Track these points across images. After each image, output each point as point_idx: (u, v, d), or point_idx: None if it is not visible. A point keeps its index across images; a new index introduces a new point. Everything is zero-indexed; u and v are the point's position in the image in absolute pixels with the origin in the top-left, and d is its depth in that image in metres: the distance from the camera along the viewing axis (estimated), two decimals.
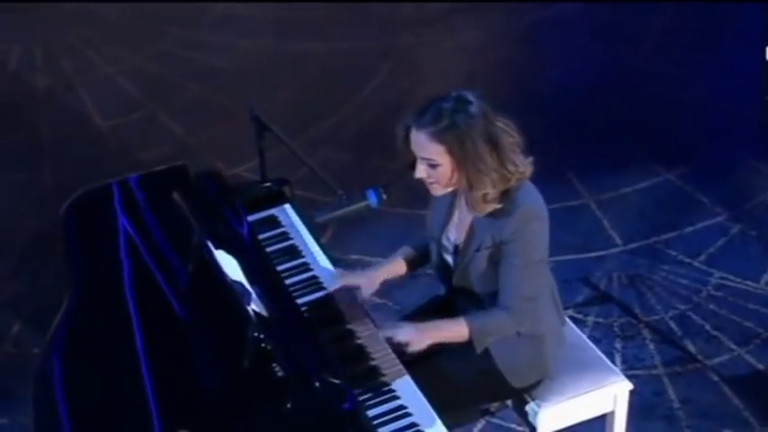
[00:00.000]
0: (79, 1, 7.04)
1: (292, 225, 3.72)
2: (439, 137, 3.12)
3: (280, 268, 3.50)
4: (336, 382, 2.97)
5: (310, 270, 3.54)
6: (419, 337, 3.19)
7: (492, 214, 3.21)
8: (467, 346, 3.28)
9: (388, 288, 4.67)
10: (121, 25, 6.77)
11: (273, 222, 3.73)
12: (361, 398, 3.06)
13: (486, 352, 3.32)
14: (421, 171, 3.19)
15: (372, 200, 3.26)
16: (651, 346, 4.39)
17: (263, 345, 2.84)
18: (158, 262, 3.32)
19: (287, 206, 3.80)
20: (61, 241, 3.47)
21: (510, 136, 3.20)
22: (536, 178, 4.86)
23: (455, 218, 3.36)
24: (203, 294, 3.13)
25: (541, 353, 3.37)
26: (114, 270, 3.36)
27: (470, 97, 3.17)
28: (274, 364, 2.87)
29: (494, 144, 3.14)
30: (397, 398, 3.09)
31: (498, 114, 3.20)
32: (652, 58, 6.29)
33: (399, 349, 3.18)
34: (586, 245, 4.92)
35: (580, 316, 4.53)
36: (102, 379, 2.98)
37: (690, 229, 4.98)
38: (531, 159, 3.26)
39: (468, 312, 3.31)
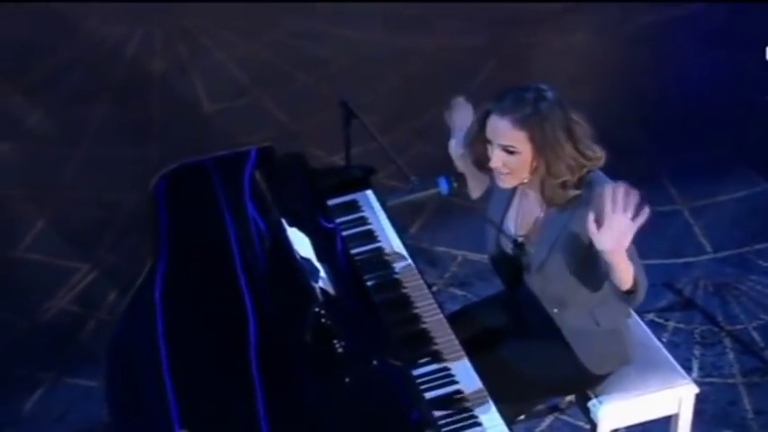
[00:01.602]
0: None
1: (372, 210, 3.82)
2: (522, 123, 3.18)
3: (354, 251, 3.61)
4: (396, 363, 3.06)
5: (384, 254, 3.64)
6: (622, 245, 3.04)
7: (569, 204, 3.25)
8: (541, 341, 3.35)
9: (469, 280, 4.79)
10: (237, 12, 6.96)
11: (354, 207, 3.84)
12: (419, 380, 3.15)
13: (562, 347, 3.37)
14: (497, 159, 3.23)
15: (443, 187, 3.33)
16: (731, 355, 4.36)
17: (323, 320, 2.94)
18: (240, 237, 3.46)
19: (369, 192, 3.90)
20: (150, 209, 3.65)
21: (581, 126, 3.26)
22: (628, 180, 4.89)
23: (513, 211, 3.42)
24: (275, 270, 3.26)
25: (620, 340, 3.42)
26: (201, 239, 3.53)
27: (546, 89, 3.24)
28: (335, 341, 2.99)
29: (570, 132, 3.21)
30: (455, 382, 3.17)
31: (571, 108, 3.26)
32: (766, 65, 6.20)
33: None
34: (675, 250, 4.90)
35: (661, 320, 4.52)
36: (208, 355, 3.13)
37: None
38: (601, 147, 3.30)
39: (534, 313, 3.37)
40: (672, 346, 4.37)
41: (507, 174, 3.26)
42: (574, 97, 5.70)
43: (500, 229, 3.44)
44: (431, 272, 4.85)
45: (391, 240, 3.69)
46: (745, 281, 4.70)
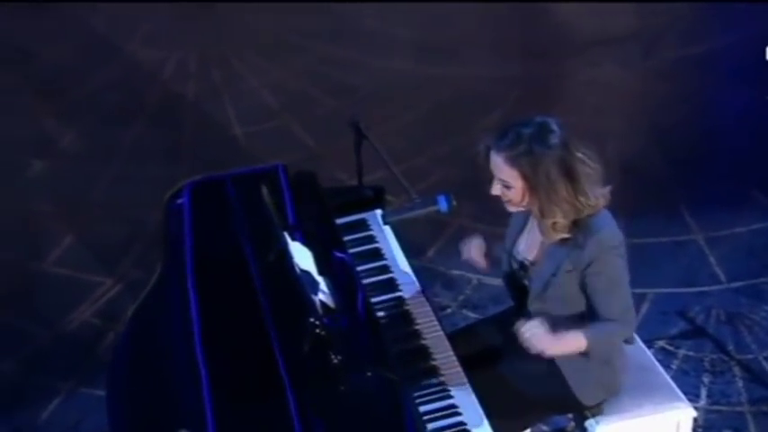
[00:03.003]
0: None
1: (380, 230, 3.87)
2: (514, 161, 3.22)
3: (360, 268, 3.66)
4: (391, 375, 3.10)
5: (390, 272, 3.68)
6: (548, 345, 3.22)
7: (565, 242, 3.28)
8: (537, 360, 3.37)
9: (482, 303, 4.82)
10: (270, 38, 7.08)
11: (363, 225, 3.90)
12: (415, 393, 3.19)
13: (556, 368, 3.39)
14: (496, 189, 3.31)
15: (442, 205, 3.38)
16: (740, 384, 4.35)
17: (318, 330, 2.99)
18: (251, 249, 3.53)
19: (378, 212, 3.95)
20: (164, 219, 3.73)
21: (588, 167, 3.25)
22: (645, 210, 4.91)
23: (526, 234, 3.45)
24: (277, 281, 3.31)
25: (612, 372, 3.42)
26: (219, 254, 3.61)
27: (553, 126, 3.24)
28: (331, 352, 3.03)
29: (569, 175, 3.21)
30: (450, 397, 3.20)
31: (580, 144, 3.26)
32: None
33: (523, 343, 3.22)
34: (689, 279, 4.90)
35: (671, 348, 4.52)
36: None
37: None
38: (608, 189, 3.30)
39: None
40: (681, 374, 4.38)
41: (508, 202, 3.31)
42: (597, 128, 5.85)
43: (511, 251, 3.47)
44: (446, 294, 4.89)
45: (397, 259, 3.74)
46: (758, 311, 4.69)
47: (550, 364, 3.37)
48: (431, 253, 5.15)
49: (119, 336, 3.45)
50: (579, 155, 3.24)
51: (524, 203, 3.29)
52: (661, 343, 4.52)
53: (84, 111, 6.49)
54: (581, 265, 3.25)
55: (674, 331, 4.60)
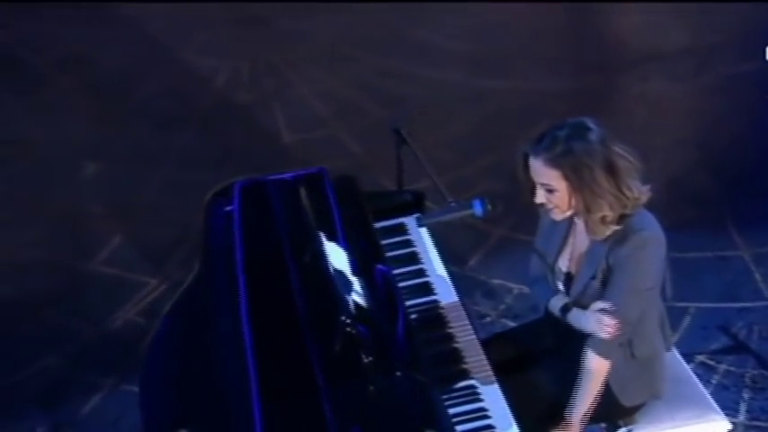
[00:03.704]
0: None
1: (418, 234, 3.87)
2: (554, 162, 3.21)
3: (396, 272, 3.67)
4: (420, 378, 3.10)
5: (425, 276, 3.69)
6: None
7: (610, 238, 3.26)
8: (572, 364, 3.35)
9: (523, 313, 4.80)
10: (324, 48, 7.13)
11: (401, 230, 3.91)
12: (445, 396, 3.19)
13: None
14: (540, 196, 3.30)
15: (477, 209, 3.38)
16: None
17: (348, 329, 3.00)
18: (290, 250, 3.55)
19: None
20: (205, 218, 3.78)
21: (628, 162, 3.24)
22: (691, 224, 4.86)
23: (570, 246, 3.43)
24: (313, 281, 3.33)
25: (652, 373, 3.41)
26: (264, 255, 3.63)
27: (589, 124, 3.24)
28: (362, 352, 3.04)
29: (611, 169, 3.20)
30: (480, 400, 3.20)
31: (617, 140, 3.26)
32: None
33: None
34: (732, 295, 4.85)
35: (712, 363, 4.48)
36: None
37: None
38: (648, 187, 3.30)
39: (570, 339, 3.38)
40: (721, 389, 4.34)
41: (553, 207, 3.30)
42: (645, 142, 5.79)
43: (553, 265, 3.46)
44: (486, 303, 4.89)
45: (434, 264, 3.74)
46: None
47: None
48: (472, 262, 5.15)
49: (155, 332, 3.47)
50: (617, 149, 3.23)
51: (571, 206, 3.26)
52: (701, 357, 4.47)
53: (137, 115, 6.58)
54: (618, 258, 3.22)
55: (714, 346, 4.56)
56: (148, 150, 6.25)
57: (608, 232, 3.26)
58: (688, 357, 4.34)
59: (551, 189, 3.25)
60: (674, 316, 4.68)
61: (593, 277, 3.30)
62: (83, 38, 7.33)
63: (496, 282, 4.98)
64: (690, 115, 6.34)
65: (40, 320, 4.92)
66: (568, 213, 3.32)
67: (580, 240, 3.39)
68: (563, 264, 3.43)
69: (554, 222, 3.41)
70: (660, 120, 6.29)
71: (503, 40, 7.15)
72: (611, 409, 3.43)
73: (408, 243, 3.84)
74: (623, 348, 3.35)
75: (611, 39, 7.17)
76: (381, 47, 7.14)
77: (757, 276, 4.96)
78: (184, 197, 5.73)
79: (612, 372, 3.36)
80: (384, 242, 3.79)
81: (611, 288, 3.24)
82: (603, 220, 3.24)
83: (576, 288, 3.36)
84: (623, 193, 3.22)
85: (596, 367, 3.29)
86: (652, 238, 3.26)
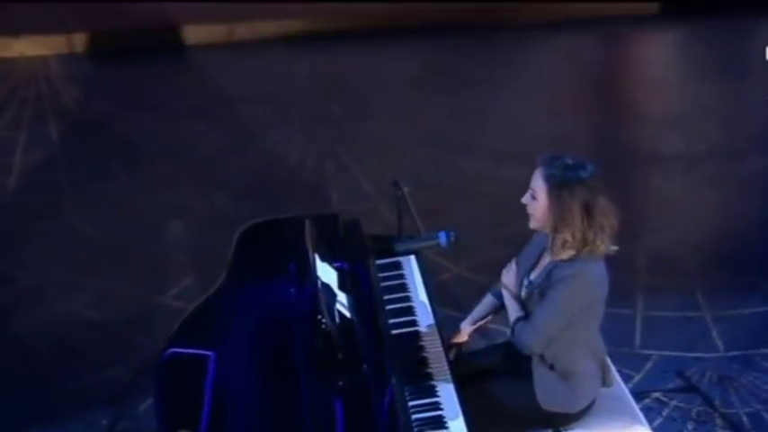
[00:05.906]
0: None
1: (411, 271, 4.07)
2: (545, 178, 3.32)
3: (385, 297, 3.87)
4: (385, 373, 3.28)
5: (410, 301, 3.88)
6: None
7: (563, 261, 3.33)
8: (516, 375, 3.50)
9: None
10: (379, 143, 7.48)
11: (396, 267, 4.10)
12: (406, 390, 3.36)
13: (531, 384, 3.49)
14: (526, 196, 3.40)
15: (442, 240, 3.59)
16: None
17: (323, 326, 3.21)
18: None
19: (412, 257, 4.16)
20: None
21: (605, 216, 3.29)
22: (665, 290, 4.94)
23: (542, 262, 3.48)
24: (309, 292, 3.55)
25: (568, 388, 3.47)
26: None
27: (588, 167, 3.31)
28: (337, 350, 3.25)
29: (587, 210, 3.26)
30: (436, 395, 3.36)
31: (606, 198, 3.31)
32: None
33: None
34: (691, 346, 4.92)
35: (665, 399, 4.54)
36: None
37: None
38: (616, 248, 3.35)
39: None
40: (669, 420, 4.40)
41: (531, 214, 3.39)
42: (638, 222, 5.91)
43: (524, 276, 3.52)
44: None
45: (419, 292, 3.93)
46: (747, 375, 4.67)
47: (527, 379, 3.48)
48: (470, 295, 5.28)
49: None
50: (602, 200, 3.28)
51: (544, 220, 3.33)
52: (656, 394, 4.54)
53: (220, 188, 6.95)
54: (556, 278, 3.30)
55: (669, 385, 4.62)
56: (225, 215, 6.58)
57: (564, 256, 3.33)
58: (644, 394, 4.46)
59: (535, 196, 3.35)
60: (638, 361, 4.78)
61: (533, 291, 3.41)
62: (184, 128, 7.82)
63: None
64: (679, 205, 6.46)
65: (116, 339, 5.22)
66: (539, 225, 3.40)
67: (547, 258, 3.47)
68: (534, 276, 3.49)
69: (537, 243, 3.52)
70: (655, 208, 6.42)
71: (527, 138, 7.39)
72: (540, 418, 3.50)
73: (401, 276, 4.03)
74: (545, 360, 3.44)
75: (620, 142, 7.36)
76: (425, 142, 7.45)
77: (714, 333, 5.02)
78: None
79: (536, 374, 3.46)
80: (381, 274, 4.00)
81: (542, 301, 3.38)
82: (564, 243, 3.31)
83: (524, 292, 3.47)
84: (587, 235, 3.27)
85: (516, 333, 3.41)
86: (591, 276, 3.33)
